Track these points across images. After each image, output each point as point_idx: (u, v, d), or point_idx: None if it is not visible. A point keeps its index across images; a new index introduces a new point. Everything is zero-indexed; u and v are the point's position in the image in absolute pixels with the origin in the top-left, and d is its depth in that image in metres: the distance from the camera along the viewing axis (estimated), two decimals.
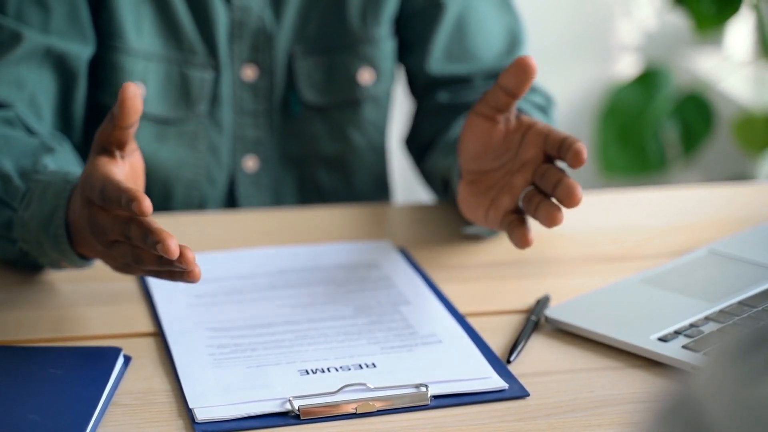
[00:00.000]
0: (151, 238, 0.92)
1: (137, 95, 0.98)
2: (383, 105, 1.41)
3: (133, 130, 1.00)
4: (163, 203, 1.36)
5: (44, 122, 1.25)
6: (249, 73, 1.34)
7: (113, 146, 1.00)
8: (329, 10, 1.34)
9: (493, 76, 1.36)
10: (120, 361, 0.96)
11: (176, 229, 1.27)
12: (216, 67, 1.32)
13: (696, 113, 2.71)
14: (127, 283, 1.14)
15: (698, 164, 2.82)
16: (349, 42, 1.35)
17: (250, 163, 1.38)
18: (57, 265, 1.10)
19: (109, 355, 0.96)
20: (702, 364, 0.46)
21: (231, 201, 1.40)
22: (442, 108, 1.37)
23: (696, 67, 2.86)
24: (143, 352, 1.01)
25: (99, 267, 1.17)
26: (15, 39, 1.22)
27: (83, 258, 1.07)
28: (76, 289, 1.13)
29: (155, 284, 1.12)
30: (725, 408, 0.43)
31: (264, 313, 1.07)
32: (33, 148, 1.14)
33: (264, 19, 1.32)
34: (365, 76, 1.37)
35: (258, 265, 1.17)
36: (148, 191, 1.27)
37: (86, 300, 1.10)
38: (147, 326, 1.06)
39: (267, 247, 1.22)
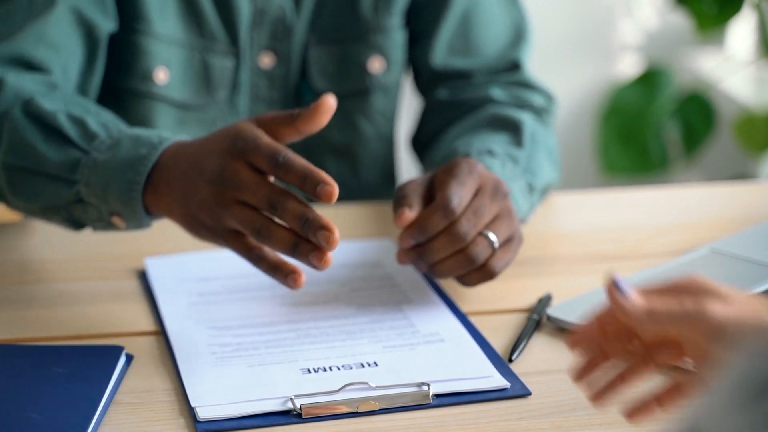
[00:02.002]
0: (317, 221, 0.94)
1: (330, 110, 0.99)
2: (392, 95, 1.41)
3: (295, 138, 1.01)
4: None
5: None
6: (266, 60, 1.35)
7: (273, 136, 1.01)
8: (343, 0, 1.35)
9: (493, 72, 1.37)
10: (122, 359, 0.96)
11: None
12: (236, 55, 1.33)
13: (697, 113, 2.71)
14: (129, 282, 1.14)
15: (699, 164, 2.82)
16: (360, 31, 1.36)
17: None
18: (104, 220, 1.10)
19: (111, 353, 0.96)
20: (711, 404, 0.46)
21: None
22: (442, 105, 1.37)
23: (697, 67, 2.86)
24: (145, 350, 1.01)
25: (102, 266, 1.17)
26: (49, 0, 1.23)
27: (146, 214, 1.07)
28: (78, 287, 1.13)
29: (157, 283, 1.12)
30: None
31: (266, 312, 1.08)
32: (97, 109, 1.15)
33: (284, 8, 1.33)
34: (375, 65, 1.38)
35: None
36: None
37: (88, 299, 1.10)
38: (149, 325, 1.06)
39: None
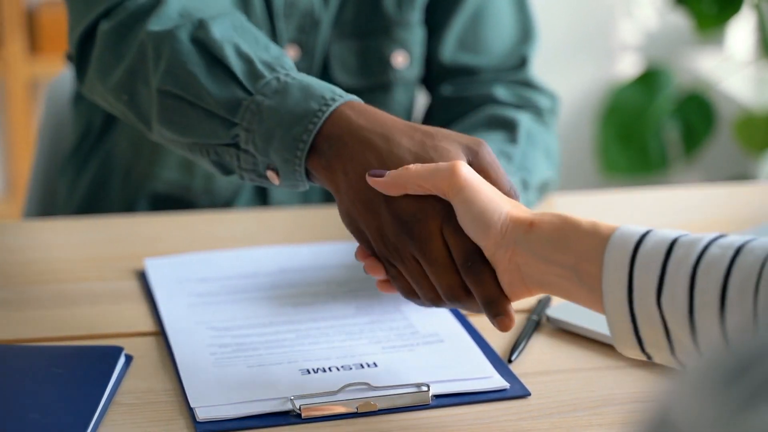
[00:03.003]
0: (496, 309, 0.89)
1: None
2: (411, 90, 1.42)
3: None
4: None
5: None
6: (291, 53, 1.35)
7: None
8: None
9: (500, 70, 1.37)
10: (121, 360, 0.96)
11: (190, 227, 1.27)
12: (276, 42, 1.33)
13: (697, 113, 2.71)
14: (128, 282, 1.14)
15: (699, 164, 2.82)
16: (383, 26, 1.37)
17: None
18: (257, 172, 0.99)
19: (111, 354, 0.96)
20: (680, 390, 0.46)
21: None
22: (446, 101, 1.38)
23: (697, 67, 2.86)
24: (145, 351, 1.01)
25: (102, 266, 1.17)
26: None
27: (306, 175, 0.96)
28: (78, 288, 1.13)
29: (157, 284, 1.12)
30: None
31: (265, 312, 1.08)
32: (266, 41, 1.05)
33: (313, 2, 1.33)
34: (399, 59, 1.38)
35: (259, 264, 1.17)
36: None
37: (88, 299, 1.10)
38: (149, 326, 1.06)
39: (269, 246, 1.22)
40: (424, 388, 0.93)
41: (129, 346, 0.99)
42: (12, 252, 1.21)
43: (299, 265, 1.17)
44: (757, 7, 2.56)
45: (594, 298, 0.84)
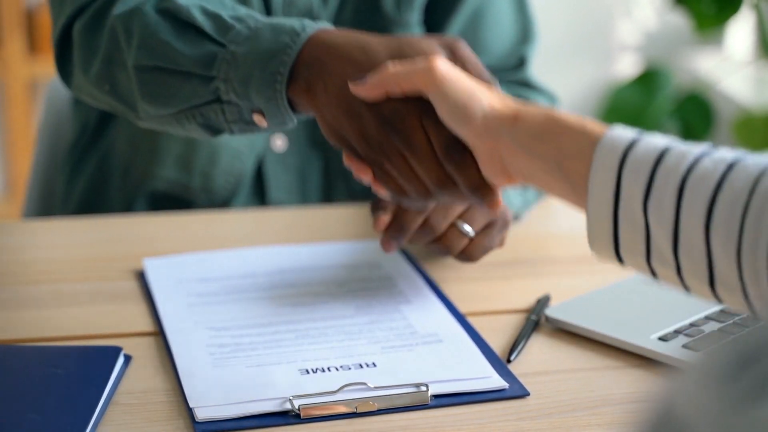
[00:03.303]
0: (481, 193, 0.90)
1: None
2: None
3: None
4: (208, 167, 1.37)
5: None
6: None
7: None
8: None
9: (499, 70, 1.37)
10: (120, 360, 0.96)
11: (189, 227, 1.27)
12: None
13: (696, 113, 2.71)
14: (127, 282, 1.14)
15: None
16: (382, 26, 1.37)
17: (279, 142, 1.39)
18: (244, 120, 1.01)
19: (110, 354, 0.96)
20: (685, 384, 0.46)
21: (259, 178, 1.40)
22: None
23: (696, 67, 2.86)
24: (143, 351, 1.01)
25: (101, 267, 1.17)
26: None
27: (291, 109, 0.98)
28: (77, 288, 1.13)
29: (156, 284, 1.12)
30: None
31: (264, 312, 1.07)
32: (233, 4, 1.06)
33: (312, 2, 1.33)
34: None
35: (259, 264, 1.17)
36: (199, 152, 1.26)
37: (87, 299, 1.10)
38: (147, 326, 1.06)
39: (268, 246, 1.22)
40: (423, 388, 0.93)
41: (128, 346, 0.99)
42: (11, 252, 1.21)
43: (298, 265, 1.17)
44: (756, 7, 2.56)
45: (575, 195, 0.84)
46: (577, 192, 0.84)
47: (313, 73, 0.95)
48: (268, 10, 1.32)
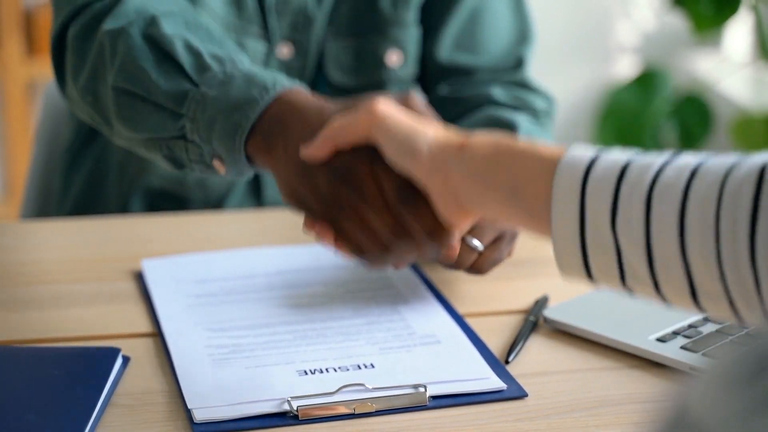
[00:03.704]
0: (438, 239, 0.88)
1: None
2: (406, 89, 1.42)
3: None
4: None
5: None
6: (285, 51, 1.35)
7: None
8: None
9: (497, 70, 1.37)
10: (119, 361, 0.96)
11: (186, 228, 1.27)
12: (268, 40, 1.33)
13: (694, 114, 2.71)
14: (126, 283, 1.14)
15: None
16: (379, 25, 1.37)
17: None
18: (204, 162, 1.01)
19: (108, 355, 0.96)
20: (701, 387, 0.46)
21: (255, 175, 1.41)
22: (442, 101, 1.38)
23: (694, 69, 2.86)
24: (142, 352, 1.01)
25: (99, 267, 1.17)
26: None
27: (248, 163, 0.98)
28: (75, 289, 1.13)
29: (154, 284, 1.12)
30: None
31: (263, 314, 1.07)
32: (220, 37, 1.07)
33: (307, 1, 1.33)
34: (393, 58, 1.38)
35: (257, 264, 1.17)
36: None
37: (85, 300, 1.10)
38: (146, 326, 1.06)
39: (266, 246, 1.22)
40: (422, 389, 0.93)
41: (126, 347, 0.99)
42: (9, 253, 1.21)
43: (297, 266, 1.17)
44: (755, 9, 2.56)
45: (533, 221, 0.82)
46: (534, 218, 0.82)
47: (275, 133, 0.95)
48: (262, 10, 1.32)
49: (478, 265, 1.09)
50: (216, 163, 1.00)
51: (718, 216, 0.73)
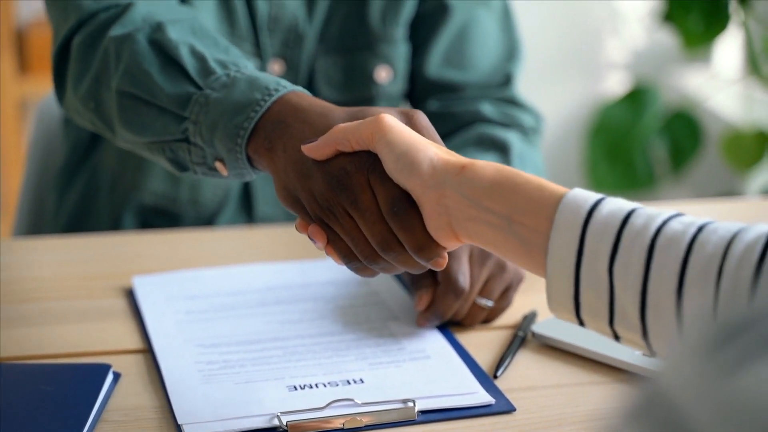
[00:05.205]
0: (426, 255, 0.88)
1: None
2: (395, 105, 1.43)
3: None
4: (196, 180, 1.38)
5: None
6: (276, 68, 1.36)
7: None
8: (352, 10, 1.37)
9: (485, 86, 1.38)
10: (109, 377, 0.96)
11: (177, 245, 1.28)
12: (260, 56, 1.34)
13: (684, 130, 2.72)
14: (116, 300, 1.14)
15: (687, 181, 2.83)
16: (368, 41, 1.38)
17: None
18: (207, 165, 1.01)
19: (99, 371, 0.97)
20: (669, 360, 0.46)
21: (246, 191, 1.41)
22: (431, 117, 1.38)
23: (684, 85, 2.88)
24: (132, 368, 1.01)
25: (90, 284, 1.17)
26: None
27: (250, 165, 0.98)
28: (66, 306, 1.13)
29: (144, 301, 1.13)
30: (702, 404, 0.43)
31: (253, 330, 1.08)
32: (226, 44, 1.07)
33: (297, 17, 1.34)
34: (382, 74, 1.39)
35: (247, 281, 1.18)
36: None
37: (76, 317, 1.11)
38: (136, 343, 1.06)
39: (256, 263, 1.23)
40: (410, 404, 0.94)
41: (117, 363, 1.00)
42: (1, 270, 1.21)
43: (286, 283, 1.18)
44: (744, 25, 2.57)
45: (524, 251, 0.82)
46: (526, 248, 0.81)
47: (276, 133, 0.95)
48: (254, 26, 1.33)
49: (489, 318, 1.11)
50: (218, 165, 1.00)
51: (720, 273, 0.74)
